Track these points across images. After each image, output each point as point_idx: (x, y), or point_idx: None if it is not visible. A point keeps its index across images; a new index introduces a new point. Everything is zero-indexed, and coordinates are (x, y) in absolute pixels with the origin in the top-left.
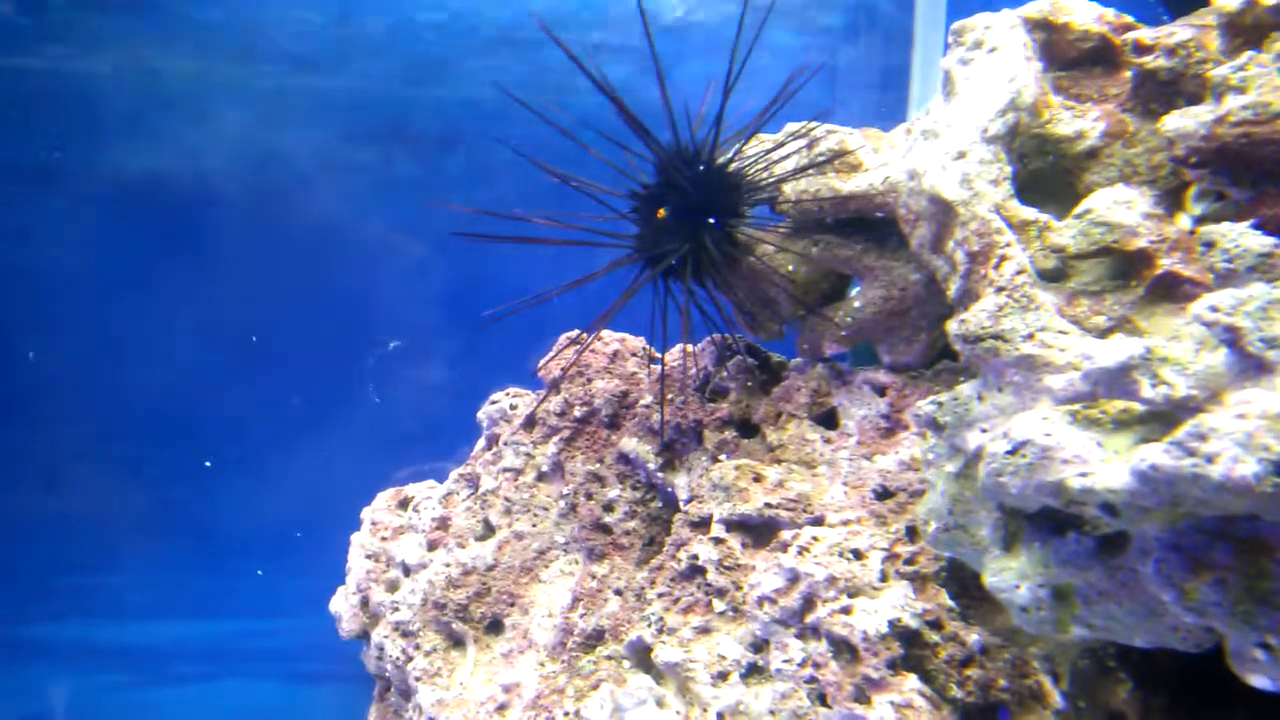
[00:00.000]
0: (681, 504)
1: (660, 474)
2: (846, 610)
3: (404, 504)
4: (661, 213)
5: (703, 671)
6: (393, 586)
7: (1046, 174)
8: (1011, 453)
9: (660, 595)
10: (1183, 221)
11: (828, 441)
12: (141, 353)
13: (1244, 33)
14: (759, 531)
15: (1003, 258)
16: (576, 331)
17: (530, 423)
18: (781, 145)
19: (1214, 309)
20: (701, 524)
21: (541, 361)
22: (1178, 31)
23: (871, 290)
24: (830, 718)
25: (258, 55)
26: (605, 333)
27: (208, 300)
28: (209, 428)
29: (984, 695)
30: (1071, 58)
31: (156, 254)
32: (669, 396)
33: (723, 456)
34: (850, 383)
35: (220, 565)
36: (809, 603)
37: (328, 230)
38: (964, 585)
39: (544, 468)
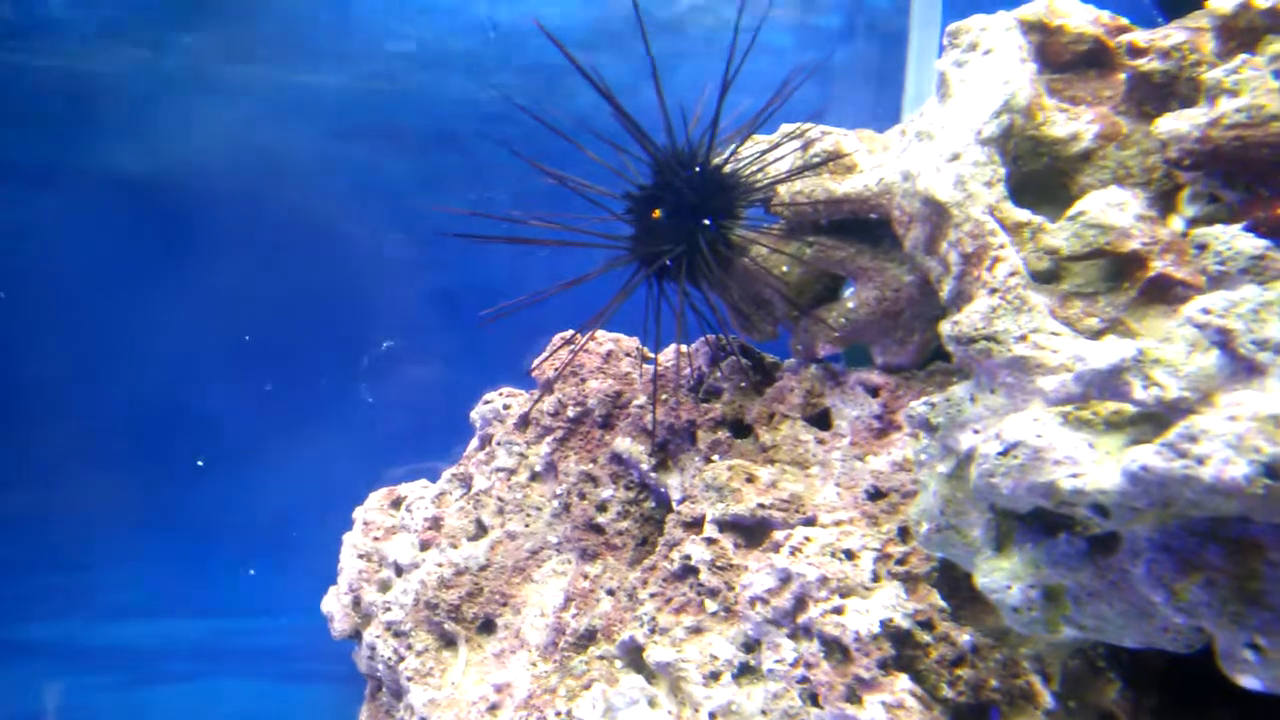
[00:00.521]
0: (674, 504)
1: (653, 474)
2: (838, 610)
3: (396, 504)
4: (657, 213)
5: (695, 671)
6: (385, 586)
7: (1040, 176)
8: (1003, 454)
9: (653, 595)
10: (1175, 224)
11: (821, 442)
12: (134, 350)
13: (1238, 35)
14: (752, 532)
15: (996, 259)
16: (570, 332)
17: (524, 422)
18: (776, 146)
19: (1206, 311)
20: (694, 524)
21: (535, 361)
22: (1172, 34)
23: (865, 291)
24: (822, 718)
25: (253, 54)
26: (599, 333)
27: (200, 298)
28: (201, 426)
29: (975, 695)
30: (1066, 60)
31: (148, 252)
32: (662, 397)
33: (716, 457)
34: (843, 383)
35: (212, 564)
36: (801, 603)
37: (322, 229)
38: (955, 586)
39: (537, 468)
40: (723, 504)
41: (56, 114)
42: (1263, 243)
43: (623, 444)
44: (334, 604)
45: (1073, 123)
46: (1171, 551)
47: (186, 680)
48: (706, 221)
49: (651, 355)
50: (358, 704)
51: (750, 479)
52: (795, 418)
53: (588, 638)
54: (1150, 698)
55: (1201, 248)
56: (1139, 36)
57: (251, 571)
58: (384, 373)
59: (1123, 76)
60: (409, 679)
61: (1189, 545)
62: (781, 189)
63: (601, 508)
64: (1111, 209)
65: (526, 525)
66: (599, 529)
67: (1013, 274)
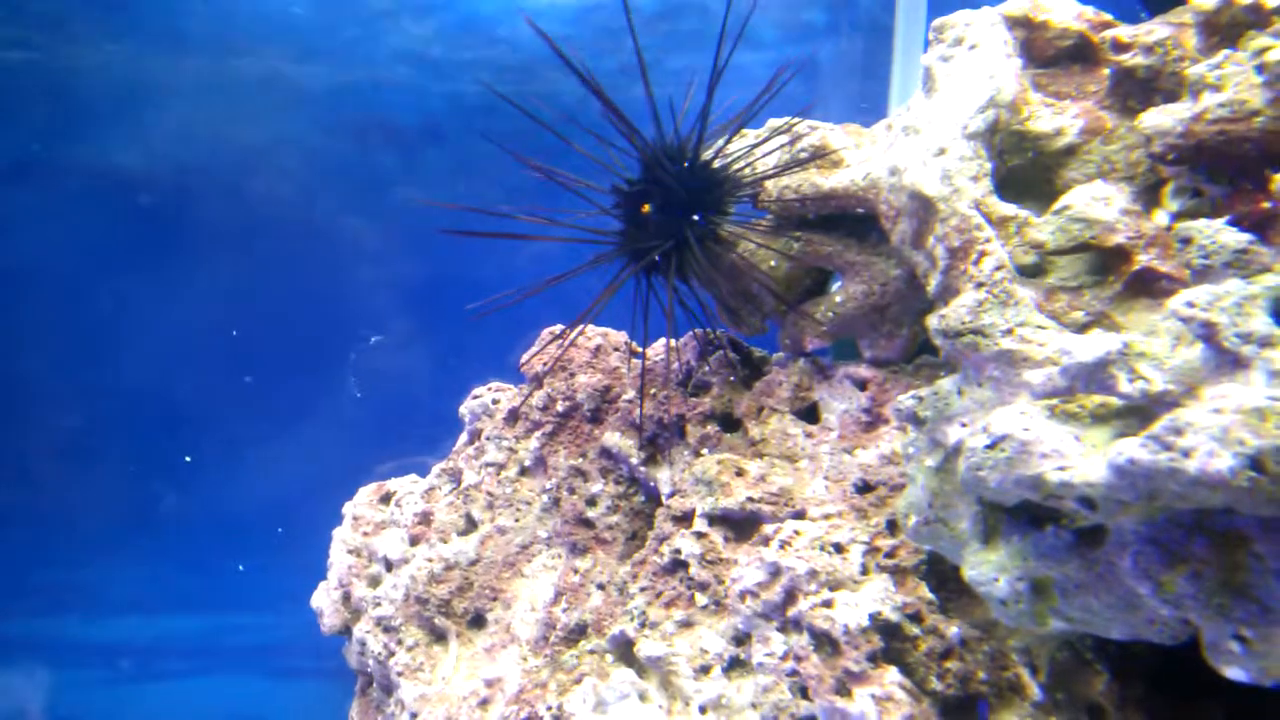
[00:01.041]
0: (664, 498)
1: (643, 468)
2: (828, 604)
3: (386, 499)
4: (646, 208)
5: (685, 665)
6: (374, 582)
7: (1025, 170)
8: (991, 447)
9: (643, 589)
10: (1160, 218)
11: (809, 436)
12: (121, 347)
13: (1220, 31)
14: (741, 526)
15: (982, 253)
16: (560, 327)
17: (513, 417)
18: (764, 141)
19: (1190, 304)
20: (684, 518)
21: (524, 356)
22: (1155, 30)
23: (853, 286)
24: (811, 710)
25: (237, 48)
26: (588, 327)
27: (187, 294)
28: (189, 423)
29: (963, 687)
30: (1051, 55)
31: (135, 248)
32: (651, 391)
33: (705, 451)
34: (831, 377)
35: (201, 561)
36: (790, 596)
37: (309, 224)
38: (943, 578)
39: (526, 462)
40: (712, 498)
41: (35, 108)
42: (1246, 237)
43: (612, 438)
44: (324, 599)
45: (1058, 117)
46: (1158, 544)
47: (177, 676)
48: (696, 217)
49: (640, 350)
50: (348, 699)
51: (739, 473)
52: (784, 411)
53: (578, 632)
54: (1137, 689)
55: (1186, 242)
56: (1123, 32)
57: (241, 568)
58: (372, 368)
59: (1107, 71)
60: (399, 674)
61: (1175, 537)
62: (769, 184)
63: (591, 502)
64: (1096, 203)
65: (516, 520)
66: (589, 523)
67: (999, 268)
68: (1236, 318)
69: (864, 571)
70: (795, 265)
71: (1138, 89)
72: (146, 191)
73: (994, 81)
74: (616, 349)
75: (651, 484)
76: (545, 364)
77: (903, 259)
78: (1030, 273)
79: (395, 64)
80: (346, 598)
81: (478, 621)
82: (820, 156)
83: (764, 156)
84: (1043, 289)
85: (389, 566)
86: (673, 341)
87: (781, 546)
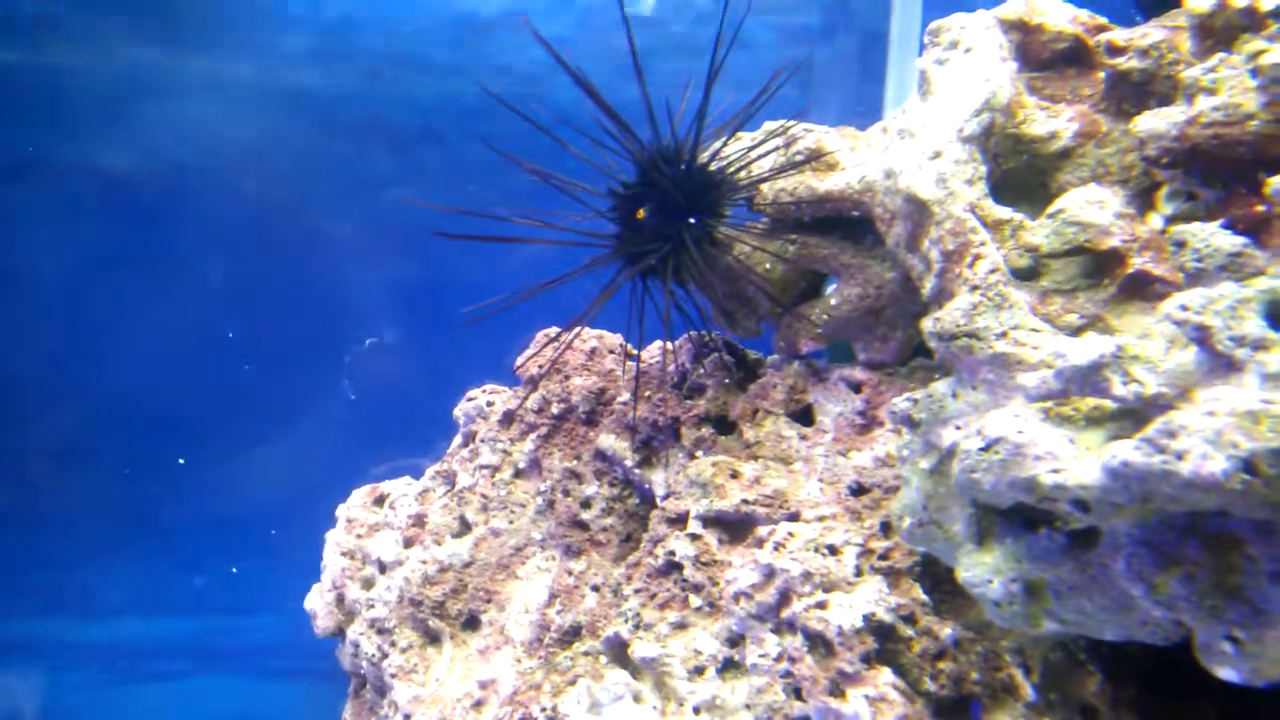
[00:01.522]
0: (659, 500)
1: (637, 470)
2: (822, 605)
3: (380, 501)
4: (641, 212)
5: (679, 666)
6: (368, 584)
7: (1020, 173)
8: (985, 449)
9: (637, 591)
10: (1154, 221)
11: (804, 438)
12: (115, 349)
13: (1215, 34)
14: (735, 527)
15: (977, 256)
16: (555, 329)
17: (507, 419)
18: (760, 144)
19: (1184, 308)
20: (679, 520)
21: (520, 359)
22: (1150, 33)
23: (848, 288)
24: (805, 711)
25: (234, 49)
26: (583, 330)
27: (182, 296)
28: (184, 424)
29: (957, 688)
30: (1046, 58)
31: (130, 250)
32: (646, 394)
33: (700, 453)
34: (826, 380)
35: (195, 562)
36: (785, 598)
37: (304, 226)
38: (937, 580)
39: (521, 464)
40: (707, 500)
41: (33, 109)
42: (1240, 240)
43: (607, 440)
44: (317, 601)
45: (1052, 121)
46: (1151, 546)
47: (169, 678)
48: (692, 220)
49: (635, 352)
50: (341, 701)
51: (734, 475)
52: (779, 414)
53: (573, 634)
54: (1130, 690)
55: (1180, 245)
56: (1118, 35)
57: (234, 570)
58: (367, 370)
59: (1102, 75)
60: (393, 676)
61: (1168, 540)
62: (765, 187)
63: (586, 504)
64: (1091, 206)
65: (511, 522)
66: (583, 525)
67: (994, 271)
68: (1230, 321)
69: (858, 573)
70: (790, 268)
71: (1132, 92)
72: (140, 193)
73: (989, 85)
74: (612, 351)
75: (646, 486)
76: (540, 366)
77: (898, 262)
78: (1025, 276)
79: (391, 65)
80: (340, 600)
81: (472, 623)
82: (815, 159)
83: (760, 159)
84: (1037, 292)
85: (383, 568)
86: (668, 344)
87: (776, 548)
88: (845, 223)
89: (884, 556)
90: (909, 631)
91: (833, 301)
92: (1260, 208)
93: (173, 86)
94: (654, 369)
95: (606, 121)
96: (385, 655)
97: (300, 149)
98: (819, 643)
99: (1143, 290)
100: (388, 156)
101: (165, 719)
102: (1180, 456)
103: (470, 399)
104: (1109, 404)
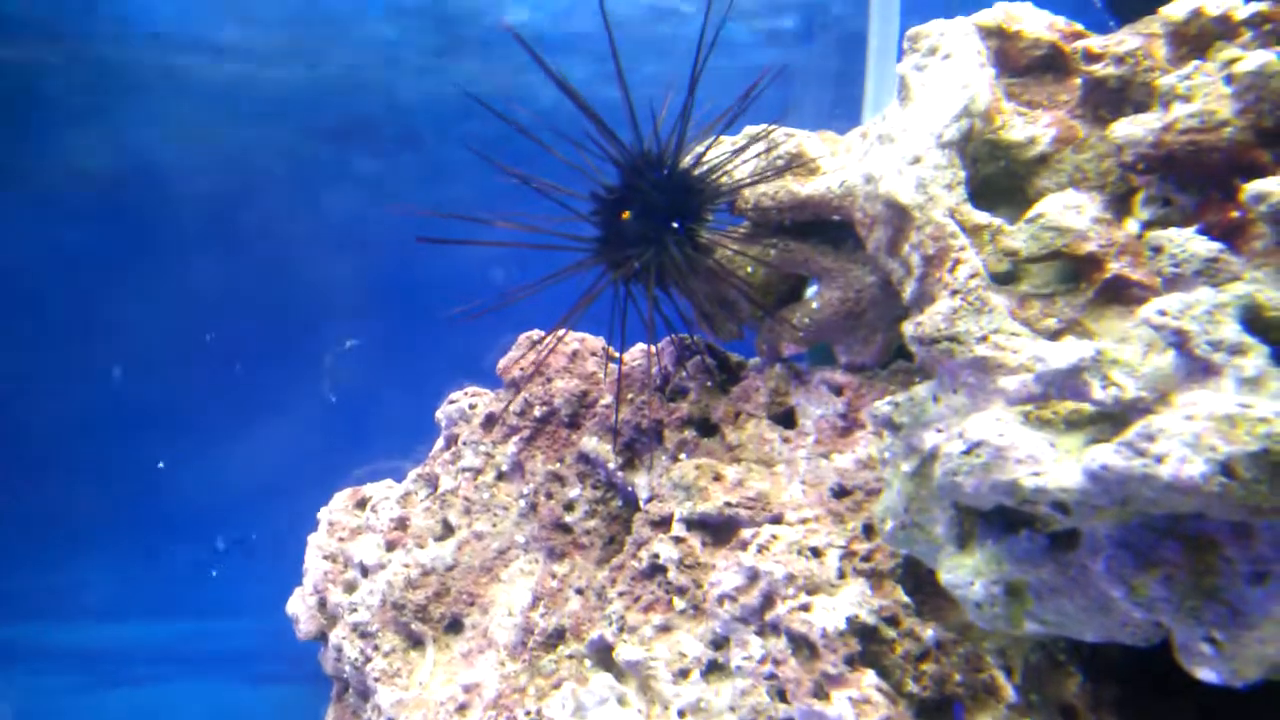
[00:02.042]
0: (642, 503)
1: (620, 473)
2: (805, 607)
3: (361, 504)
4: (626, 215)
5: (664, 669)
6: (350, 587)
7: (998, 179)
8: (966, 453)
9: (621, 594)
10: (1131, 226)
11: (786, 441)
12: (95, 351)
13: (1190, 42)
14: (719, 530)
15: (957, 261)
16: (537, 332)
17: (490, 422)
18: (743, 149)
19: (1162, 312)
20: (662, 523)
21: (502, 361)
22: (1126, 40)
23: (829, 292)
24: (789, 713)
25: (213, 49)
26: (566, 332)
27: (162, 298)
28: (163, 428)
29: (939, 689)
30: (1023, 65)
31: (109, 251)
32: (629, 397)
33: (683, 456)
34: (808, 383)
35: (176, 566)
36: (768, 600)
37: (285, 227)
38: (920, 582)
39: (504, 467)
40: (690, 502)
41: (10, 109)
42: (1216, 245)
43: (590, 443)
44: (299, 606)
45: (1030, 126)
46: (1130, 548)
47: (149, 683)
48: (674, 224)
49: (617, 355)
50: (324, 705)
51: (717, 477)
52: (761, 417)
53: (556, 637)
54: (1110, 690)
55: (1156, 250)
56: (1094, 42)
57: (214, 573)
58: (347, 372)
59: (1079, 81)
60: (376, 680)
61: (1147, 542)
62: (746, 191)
63: (569, 507)
64: (1069, 211)
65: (493, 525)
66: (566, 528)
67: (973, 276)
68: (1208, 326)
69: (841, 575)
70: (772, 271)
71: (1109, 99)
72: (120, 194)
73: (968, 91)
74: (594, 354)
75: (629, 489)
76: (523, 369)
77: (878, 266)
78: (1004, 280)
79: (374, 66)
80: (322, 604)
81: (455, 627)
82: (796, 164)
83: (742, 164)
84: (1016, 296)
85: (365, 572)
86: (651, 347)
87: (759, 551)
88: (826, 227)
89: (866, 559)
90: (892, 633)
91: (814, 305)
92: (1235, 214)
93: (153, 87)
94: (637, 372)
95: (590, 126)
96: (368, 659)
97: (280, 150)
98: (803, 645)
99: (1120, 295)
100: (368, 158)
101: None
102: (1159, 460)
103: (452, 401)
104: (1088, 408)
